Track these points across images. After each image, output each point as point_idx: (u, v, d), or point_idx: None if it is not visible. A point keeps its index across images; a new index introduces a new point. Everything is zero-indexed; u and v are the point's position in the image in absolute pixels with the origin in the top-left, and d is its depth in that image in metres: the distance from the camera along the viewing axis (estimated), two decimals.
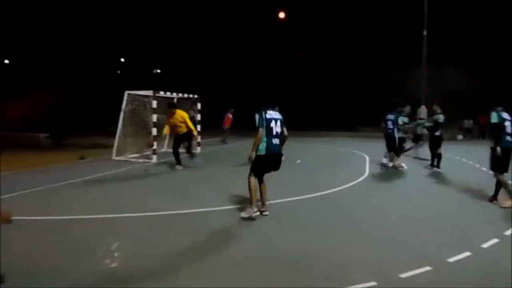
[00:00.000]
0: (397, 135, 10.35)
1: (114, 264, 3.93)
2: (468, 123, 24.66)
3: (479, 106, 24.87)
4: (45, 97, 31.46)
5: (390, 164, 10.54)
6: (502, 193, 6.56)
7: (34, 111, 29.42)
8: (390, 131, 10.39)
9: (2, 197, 6.60)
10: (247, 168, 5.71)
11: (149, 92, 11.89)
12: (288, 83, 31.87)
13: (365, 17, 30.20)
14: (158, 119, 11.98)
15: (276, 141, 5.57)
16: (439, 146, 10.22)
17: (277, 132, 5.58)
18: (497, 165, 6.41)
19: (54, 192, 7.27)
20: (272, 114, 5.65)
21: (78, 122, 21.55)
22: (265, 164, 5.59)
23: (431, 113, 10.71)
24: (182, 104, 14.96)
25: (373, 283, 3.49)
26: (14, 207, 5.97)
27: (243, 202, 6.45)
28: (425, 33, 23.35)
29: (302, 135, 22.08)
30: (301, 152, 14.34)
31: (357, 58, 30.42)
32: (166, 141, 15.04)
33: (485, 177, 9.34)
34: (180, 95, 14.28)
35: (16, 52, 36.03)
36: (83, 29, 32.86)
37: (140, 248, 4.38)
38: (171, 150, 14.33)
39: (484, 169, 10.49)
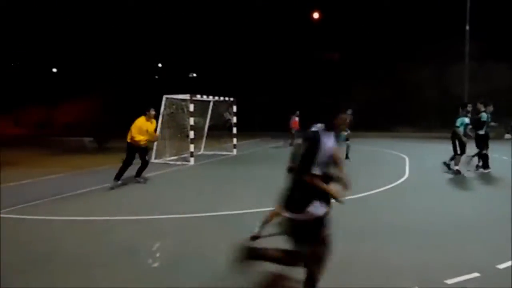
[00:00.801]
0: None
1: (156, 264, 4.05)
2: None
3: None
4: (88, 103, 33.03)
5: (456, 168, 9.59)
6: None
7: (78, 117, 30.96)
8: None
9: (51, 198, 7.01)
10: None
11: (186, 96, 12.17)
12: (324, 83, 31.52)
13: (404, 13, 29.34)
14: (195, 122, 12.24)
15: None
16: (485, 145, 9.72)
17: None
18: None
19: (101, 194, 7.59)
20: None
21: (120, 126, 22.41)
22: None
23: (476, 111, 10.13)
24: (218, 106, 15.22)
25: None
26: (65, 208, 6.34)
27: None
28: (467, 27, 22.38)
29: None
30: None
31: (396, 56, 29.58)
32: (203, 143, 15.33)
33: None
34: (216, 98, 14.52)
35: (62, 61, 38.09)
36: (123, 37, 34.18)
37: (184, 249, 4.50)
38: (208, 153, 14.70)
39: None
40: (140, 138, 8.18)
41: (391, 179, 8.70)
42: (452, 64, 25.57)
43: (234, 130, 15.05)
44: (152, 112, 8.45)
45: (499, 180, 8.81)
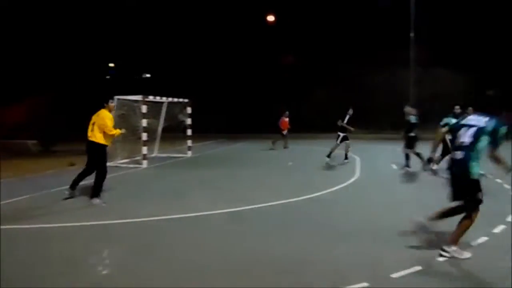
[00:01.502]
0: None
1: (105, 272, 3.89)
2: None
3: (468, 107, 25.20)
4: (33, 103, 31.12)
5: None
6: None
7: (23, 118, 29.08)
8: None
9: None
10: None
11: (139, 97, 11.84)
12: (280, 86, 32.00)
13: (354, 19, 30.46)
14: (148, 124, 11.94)
15: None
16: (414, 146, 10.26)
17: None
18: None
19: (44, 199, 7.17)
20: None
21: (66, 128, 21.37)
22: None
23: (405, 115, 10.64)
24: (172, 108, 14.95)
25: (366, 284, 3.51)
26: (4, 215, 5.91)
27: (237, 206, 6.46)
28: (412, 34, 23.63)
29: (296, 138, 22.12)
30: (292, 154, 14.38)
31: (346, 60, 30.64)
32: (157, 146, 14.98)
33: None
34: (170, 99, 14.25)
35: (6, 58, 35.62)
36: (71, 34, 32.60)
37: (136, 258, 4.35)
38: (162, 155, 14.38)
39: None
40: (112, 134, 7.00)
41: (343, 179, 8.97)
42: (400, 69, 26.89)
43: (189, 131, 14.86)
44: (112, 104, 7.46)
45: (440, 178, 9.34)
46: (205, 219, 5.83)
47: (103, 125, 6.87)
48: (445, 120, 9.47)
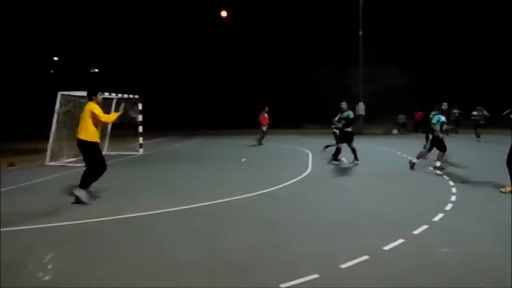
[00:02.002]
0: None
1: (48, 277, 3.68)
2: (402, 118, 26.21)
3: (413, 102, 26.72)
4: None
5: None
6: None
7: None
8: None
9: None
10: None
11: (84, 93, 11.28)
12: (234, 82, 31.99)
13: (306, 17, 31.07)
14: None
15: None
16: (352, 140, 10.71)
17: None
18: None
19: None
20: None
21: (7, 126, 20.00)
22: None
23: (341, 110, 11.01)
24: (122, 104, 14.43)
25: (316, 276, 3.59)
26: None
27: (190, 203, 6.38)
28: (360, 33, 24.49)
29: (249, 134, 22.23)
30: (247, 150, 14.42)
31: (299, 58, 31.23)
32: (106, 143, 14.42)
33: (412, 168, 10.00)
34: (120, 95, 13.76)
35: None
36: (12, 25, 30.44)
37: (87, 256, 4.15)
38: (112, 153, 13.87)
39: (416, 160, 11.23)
40: (107, 118, 6.59)
41: (295, 174, 9.14)
42: (349, 66, 27.85)
43: (140, 128, 14.44)
44: (100, 96, 6.87)
45: (389, 170, 9.81)
46: (156, 218, 5.70)
47: (94, 116, 6.41)
48: (436, 118, 9.76)
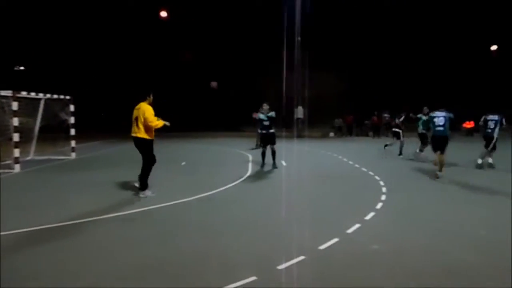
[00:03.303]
0: (496, 135, 10.47)
1: None
2: (338, 121, 27.43)
3: (350, 106, 28.08)
4: None
5: (491, 160, 10.67)
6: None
7: None
8: (489, 131, 10.59)
9: None
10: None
11: (8, 92, 10.39)
12: (177, 83, 31.40)
13: (246, 23, 31.37)
14: (21, 123, 10.59)
15: None
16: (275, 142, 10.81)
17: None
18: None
19: None
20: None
21: None
22: None
23: (262, 110, 11.15)
24: (52, 105, 13.50)
25: (254, 278, 3.61)
26: None
27: (125, 210, 6.11)
28: (298, 39, 25.26)
29: (191, 136, 21.90)
30: (187, 154, 14.20)
31: (239, 62, 31.44)
32: (33, 147, 13.38)
33: (347, 168, 10.52)
34: (49, 95, 12.86)
35: None
36: None
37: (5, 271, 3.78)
38: (40, 158, 12.87)
39: (351, 162, 11.83)
40: (155, 125, 6.97)
41: (235, 177, 9.15)
42: (289, 71, 28.57)
43: (72, 131, 13.59)
44: (152, 97, 7.27)
45: (325, 172, 10.18)
46: (87, 226, 5.38)
47: (145, 119, 6.90)
48: (423, 118, 12.07)
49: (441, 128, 9.09)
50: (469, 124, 25.72)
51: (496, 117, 10.65)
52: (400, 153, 13.04)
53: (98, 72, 31.15)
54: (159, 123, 7.05)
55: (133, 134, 7.11)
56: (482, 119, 10.91)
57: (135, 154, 7.51)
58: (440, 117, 9.16)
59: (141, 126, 6.97)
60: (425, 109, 12.29)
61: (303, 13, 24.74)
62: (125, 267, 3.96)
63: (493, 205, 6.55)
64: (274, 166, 10.60)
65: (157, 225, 5.46)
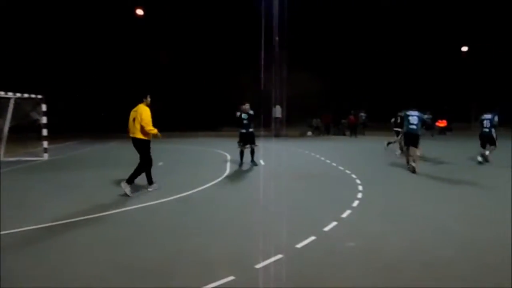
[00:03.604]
0: (494, 133, 11.05)
1: None
2: (316, 121, 27.71)
3: (328, 106, 28.39)
4: None
5: (487, 153, 11.10)
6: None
7: None
8: (487, 130, 11.07)
9: None
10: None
11: None
12: (152, 83, 30.91)
13: (225, 21, 31.24)
14: None
15: None
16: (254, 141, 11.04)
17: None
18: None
19: None
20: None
21: None
22: None
23: (240, 110, 11.27)
24: (22, 105, 13.08)
25: (232, 278, 3.60)
26: None
27: (99, 211, 5.97)
28: (277, 38, 25.36)
29: (169, 137, 21.62)
30: (164, 154, 13.98)
31: (218, 61, 31.27)
32: (2, 149, 12.93)
33: (325, 167, 10.64)
34: (19, 94, 12.44)
35: None
36: None
37: None
38: (10, 159, 12.43)
39: (328, 161, 11.97)
40: (149, 129, 7.23)
41: (213, 177, 9.11)
42: (266, 70, 28.66)
43: (45, 132, 13.19)
44: (149, 99, 7.52)
45: (302, 171, 10.26)
46: (62, 229, 5.23)
47: (142, 121, 7.15)
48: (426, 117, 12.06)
49: (414, 127, 9.76)
50: (441, 123, 26.44)
51: (489, 116, 11.17)
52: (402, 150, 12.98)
53: (72, 71, 30.33)
54: (153, 129, 7.27)
55: (131, 135, 7.36)
56: (480, 119, 11.44)
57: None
58: (414, 116, 9.80)
59: (138, 126, 7.21)
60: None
61: (281, 12, 24.88)
62: (103, 268, 3.87)
63: (471, 200, 6.75)
64: (254, 163, 10.79)
65: (133, 226, 5.36)
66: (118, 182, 8.88)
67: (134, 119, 7.31)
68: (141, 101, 7.45)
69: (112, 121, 29.94)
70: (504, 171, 9.66)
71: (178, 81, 31.91)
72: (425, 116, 11.08)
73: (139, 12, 27.25)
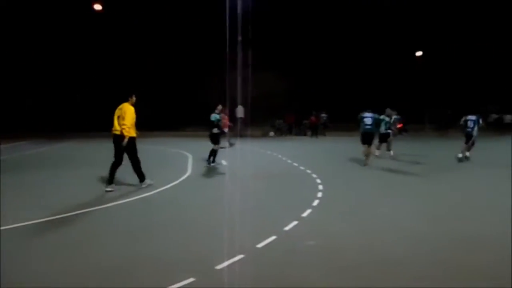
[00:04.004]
0: (476, 133, 11.53)
1: None
2: (278, 122, 27.96)
3: (291, 106, 28.72)
4: None
5: (468, 154, 11.60)
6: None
7: None
8: (470, 129, 11.53)
9: None
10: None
11: None
12: (113, 81, 29.95)
13: (188, 21, 30.81)
14: None
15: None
16: (218, 142, 11.06)
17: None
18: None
19: None
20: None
21: None
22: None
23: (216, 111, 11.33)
24: None
25: (192, 279, 3.56)
26: None
27: (57, 213, 5.71)
28: (240, 38, 25.34)
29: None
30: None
31: (180, 61, 30.79)
32: None
33: (286, 167, 10.77)
34: None
35: None
36: None
37: None
38: None
39: (289, 161, 12.12)
40: (127, 129, 7.37)
41: (174, 177, 8.97)
42: (230, 70, 28.59)
43: None
44: (134, 98, 7.73)
45: (264, 171, 10.32)
46: (11, 233, 4.94)
47: (124, 119, 7.30)
48: (386, 119, 12.66)
49: (369, 127, 10.81)
50: (399, 125, 27.54)
51: (474, 117, 11.79)
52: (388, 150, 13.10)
53: (23, 68, 28.75)
54: (131, 130, 7.40)
55: (114, 132, 7.48)
56: (462, 120, 11.98)
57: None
58: (368, 118, 10.82)
59: (124, 124, 7.35)
60: (388, 111, 12.94)
61: (245, 12, 24.88)
62: (57, 274, 3.70)
63: (431, 197, 7.05)
64: (208, 162, 10.81)
65: (91, 227, 5.17)
66: (67, 184, 8.54)
67: (118, 117, 7.43)
68: (126, 100, 7.65)
69: (70, 119, 28.80)
70: (467, 167, 10.23)
71: (143, 81, 31.13)
72: (382, 116, 11.69)
73: (97, 7, 26.28)
